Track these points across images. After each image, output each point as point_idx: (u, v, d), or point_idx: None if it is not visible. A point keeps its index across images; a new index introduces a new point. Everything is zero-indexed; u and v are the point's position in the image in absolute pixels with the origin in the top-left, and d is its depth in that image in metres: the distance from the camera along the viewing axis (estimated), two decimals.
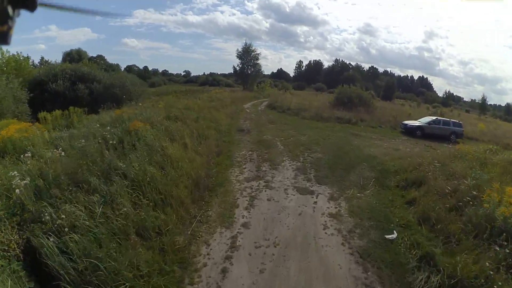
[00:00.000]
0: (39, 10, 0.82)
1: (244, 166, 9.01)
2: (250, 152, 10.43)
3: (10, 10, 0.76)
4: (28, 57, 19.34)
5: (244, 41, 61.18)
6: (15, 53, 18.64)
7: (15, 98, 14.11)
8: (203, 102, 18.70)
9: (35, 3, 0.79)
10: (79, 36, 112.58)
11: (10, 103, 13.70)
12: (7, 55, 17.31)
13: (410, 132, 17.13)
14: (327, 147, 11.50)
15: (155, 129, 9.84)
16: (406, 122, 18.42)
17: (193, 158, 8.92)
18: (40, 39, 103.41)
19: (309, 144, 11.85)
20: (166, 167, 7.14)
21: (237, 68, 51.45)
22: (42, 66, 21.30)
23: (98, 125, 10.34)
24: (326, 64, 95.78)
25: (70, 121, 11.67)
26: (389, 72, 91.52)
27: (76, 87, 17.50)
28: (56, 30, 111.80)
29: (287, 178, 8.10)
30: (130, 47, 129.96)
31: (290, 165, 9.18)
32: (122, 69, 68.32)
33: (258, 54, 51.23)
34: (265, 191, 7.18)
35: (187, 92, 30.38)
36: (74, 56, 47.46)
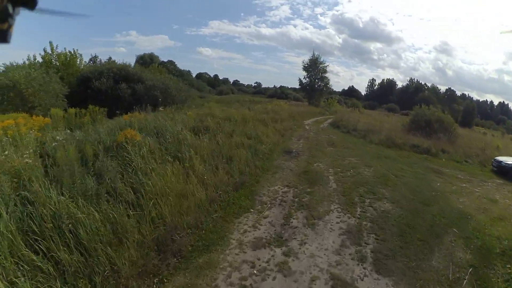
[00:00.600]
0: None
1: (265, 214, 5.86)
2: (285, 189, 7.28)
3: (10, 8, 0.78)
4: (74, 54, 19.39)
5: (312, 52, 57.07)
6: (70, 50, 18.89)
7: (50, 91, 13.38)
8: (254, 113, 16.07)
9: (35, 1, 0.82)
10: (157, 42, 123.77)
11: (43, 96, 12.95)
12: (57, 50, 17.48)
13: (506, 173, 11.78)
14: (399, 191, 7.66)
15: (154, 143, 7.34)
16: (500, 158, 12.96)
17: (190, 192, 6.13)
18: (120, 43, 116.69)
19: (374, 183, 8.14)
20: (120, 205, 4.45)
21: (303, 80, 47.93)
22: (93, 64, 21.17)
23: (102, 130, 8.33)
24: (400, 84, 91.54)
25: (80, 121, 10.00)
26: (467, 95, 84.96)
27: (119, 86, 16.57)
28: (136, 35, 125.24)
29: (325, 250, 4.74)
30: (205, 55, 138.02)
31: (337, 222, 5.76)
32: (193, 75, 72.35)
33: (326, 66, 47.14)
34: (275, 278, 3.92)
35: (250, 102, 28.44)
36: (146, 60, 51.24)
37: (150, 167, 6.42)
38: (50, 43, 18.15)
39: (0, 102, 12.29)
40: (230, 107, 19.57)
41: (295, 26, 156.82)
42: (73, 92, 17.46)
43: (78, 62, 20.19)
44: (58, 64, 17.86)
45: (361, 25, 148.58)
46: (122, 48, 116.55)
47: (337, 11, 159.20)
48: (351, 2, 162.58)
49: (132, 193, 5.45)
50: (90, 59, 21.58)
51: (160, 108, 11.94)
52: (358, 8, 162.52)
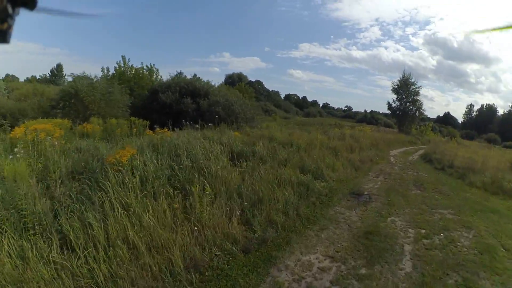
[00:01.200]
0: None
1: None
2: (325, 262, 4.81)
3: (9, 8, 0.78)
4: (151, 69, 20.36)
5: (403, 72, 50.18)
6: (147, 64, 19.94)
7: (111, 101, 13.62)
8: (326, 138, 13.49)
9: (35, 2, 0.83)
10: (249, 64, 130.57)
11: (103, 105, 13.24)
12: (132, 65, 18.61)
13: None
14: None
15: (155, 169, 5.74)
16: None
17: (166, 244, 4.20)
18: (215, 63, 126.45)
19: (474, 265, 4.84)
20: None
21: (393, 104, 42.08)
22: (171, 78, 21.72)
23: (109, 145, 7.30)
24: (500, 110, 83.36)
25: (115, 132, 9.26)
26: None
27: (183, 101, 16.18)
28: (228, 57, 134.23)
29: None
30: (296, 78, 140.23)
31: None
32: (282, 96, 72.97)
33: (418, 88, 40.53)
34: None
35: (332, 126, 25.81)
36: (234, 79, 53.89)
37: (124, 201, 4.66)
38: (123, 57, 19.31)
39: (62, 107, 12.82)
40: (306, 129, 17.35)
41: (386, 48, 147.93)
42: (143, 104, 17.94)
43: (155, 77, 21.10)
44: (125, 76, 18.78)
45: (455, 45, 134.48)
46: (216, 68, 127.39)
47: (429, 30, 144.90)
48: (443, 19, 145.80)
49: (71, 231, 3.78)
50: (176, 75, 22.07)
51: (196, 126, 10.56)
52: (451, 26, 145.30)
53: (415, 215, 6.88)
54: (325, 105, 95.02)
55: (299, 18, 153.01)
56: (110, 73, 19.30)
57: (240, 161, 8.13)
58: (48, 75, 52.06)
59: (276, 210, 5.95)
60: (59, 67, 50.88)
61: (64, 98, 13.14)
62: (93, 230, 4.10)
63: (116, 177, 5.14)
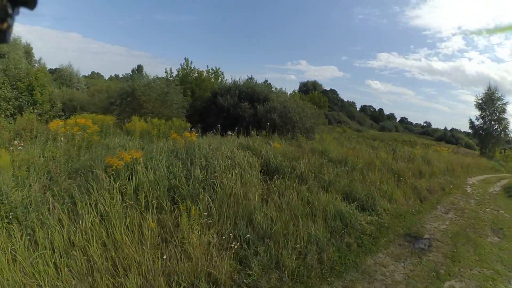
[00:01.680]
0: None
1: None
2: None
3: (9, 8, 0.79)
4: (216, 72, 20.67)
5: (488, 85, 41.77)
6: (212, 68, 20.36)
7: (166, 102, 13.95)
8: (392, 159, 11.47)
9: (34, 1, 0.83)
10: (325, 73, 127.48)
11: (158, 105, 13.59)
12: (194, 67, 19.11)
13: None
14: None
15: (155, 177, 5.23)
16: None
17: None
18: (291, 71, 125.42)
19: None
20: None
21: (476, 122, 35.37)
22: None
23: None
24: None
25: (150, 132, 9.15)
26: None
27: (240, 105, 15.72)
28: (305, 65, 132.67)
29: None
30: (373, 89, 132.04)
31: None
32: (358, 108, 69.17)
33: (505, 103, 33.28)
34: None
35: (406, 143, 22.87)
36: (309, 87, 53.18)
37: (103, 208, 4.16)
38: (186, 59, 19.88)
39: (119, 104, 13.44)
40: (373, 145, 15.34)
41: (469, 59, 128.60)
42: (203, 106, 18.11)
43: (220, 80, 21.34)
44: (192, 78, 19.23)
45: None
46: (293, 75, 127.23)
47: None
48: None
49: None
50: (246, 80, 21.97)
51: (230, 133, 9.80)
52: None
53: (484, 280, 4.92)
54: (403, 120, 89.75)
55: (377, 26, 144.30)
56: (174, 74, 20.08)
57: (274, 178, 7.12)
58: (129, 74, 57.91)
59: (291, 250, 4.76)
60: (139, 67, 55.79)
61: (122, 96, 13.85)
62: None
63: (108, 180, 4.65)
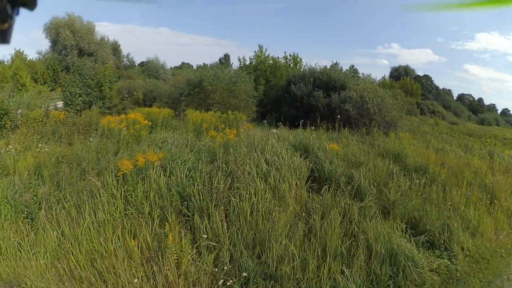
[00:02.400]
0: None
1: None
2: None
3: (9, 8, 0.79)
4: (295, 58, 19.62)
5: None
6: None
7: (234, 91, 13.72)
8: (487, 167, 8.77)
9: (35, 2, 0.84)
10: (419, 56, 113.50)
11: (225, 95, 13.44)
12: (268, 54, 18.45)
13: None
14: None
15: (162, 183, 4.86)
16: None
17: None
18: (383, 55, 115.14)
19: None
20: None
21: None
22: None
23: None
24: None
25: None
26: None
27: (313, 94, 14.50)
28: (397, 48, 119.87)
29: None
30: (472, 74, 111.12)
31: None
32: (455, 96, 59.26)
33: None
34: None
35: (508, 143, 18.24)
36: (401, 72, 50.06)
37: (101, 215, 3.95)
38: (260, 46, 19.06)
39: (187, 95, 13.62)
40: (468, 143, 12.46)
41: None
42: (277, 96, 17.41)
43: (298, 67, 20.23)
44: (266, 66, 18.57)
45: None
46: (384, 60, 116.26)
47: None
48: None
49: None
50: (331, 65, 20.65)
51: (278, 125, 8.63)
52: None
53: None
54: (505, 112, 72.48)
55: None
56: (247, 62, 19.72)
57: (322, 190, 5.89)
58: (217, 63, 60.27)
59: None
60: (226, 56, 57.35)
61: (190, 87, 13.98)
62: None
63: (113, 186, 4.38)
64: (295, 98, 15.84)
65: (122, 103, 12.11)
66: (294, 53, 22.48)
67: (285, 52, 23.08)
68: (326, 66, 21.44)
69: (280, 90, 18.28)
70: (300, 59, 22.40)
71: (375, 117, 12.41)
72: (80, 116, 9.02)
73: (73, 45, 43.84)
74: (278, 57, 21.39)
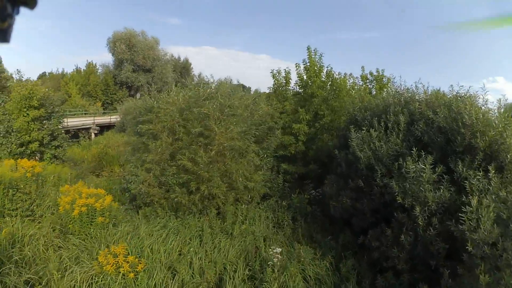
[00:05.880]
0: None
1: None
2: None
3: (9, 7, 0.80)
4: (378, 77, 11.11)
5: None
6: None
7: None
8: None
9: (35, 1, 0.85)
10: None
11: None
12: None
13: None
14: None
15: None
16: None
17: None
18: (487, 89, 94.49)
19: None
20: None
21: None
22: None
23: None
24: None
25: None
26: None
27: (412, 165, 5.27)
28: (503, 82, 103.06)
29: None
30: None
31: None
32: None
33: None
34: None
35: None
36: None
37: None
38: (308, 48, 10.31)
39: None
40: None
41: None
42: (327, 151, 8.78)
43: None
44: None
45: None
46: (489, 95, 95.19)
47: None
48: None
49: None
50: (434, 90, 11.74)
51: None
52: None
53: None
54: None
55: None
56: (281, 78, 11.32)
57: None
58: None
59: None
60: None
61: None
62: None
63: None
64: (352, 170, 6.88)
65: None
66: (378, 69, 13.24)
67: (362, 68, 13.76)
68: (433, 88, 11.96)
69: (335, 137, 9.48)
70: (389, 79, 13.04)
71: None
72: None
73: (128, 60, 41.25)
74: (346, 75, 12.44)
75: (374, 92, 12.36)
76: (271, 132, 9.26)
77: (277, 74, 11.34)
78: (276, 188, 9.35)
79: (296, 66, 10.93)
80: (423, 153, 5.38)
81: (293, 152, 9.93)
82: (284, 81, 11.12)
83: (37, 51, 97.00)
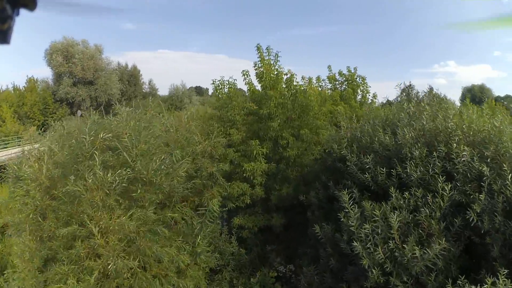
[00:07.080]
0: None
1: None
2: None
3: (9, 9, 0.80)
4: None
5: None
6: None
7: None
8: None
9: (35, 2, 0.84)
10: (477, 73, 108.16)
11: None
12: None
13: None
14: None
15: None
16: None
17: None
18: (440, 74, 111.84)
19: None
20: None
21: None
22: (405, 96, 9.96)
23: None
24: None
25: None
26: None
27: None
28: (454, 66, 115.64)
29: None
30: None
31: None
32: None
33: None
34: None
35: None
36: (476, 94, 44.37)
37: None
38: (258, 46, 7.47)
39: None
40: None
41: None
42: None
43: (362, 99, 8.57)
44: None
45: None
46: (442, 79, 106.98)
47: None
48: None
49: None
50: (403, 90, 9.55)
51: None
52: None
53: None
54: None
55: None
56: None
57: None
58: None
59: None
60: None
61: None
62: None
63: None
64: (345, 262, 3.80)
65: None
66: (349, 68, 10.56)
67: (329, 67, 10.98)
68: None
69: (306, 174, 6.61)
70: (363, 79, 10.40)
71: None
72: None
73: (66, 73, 36.35)
74: (311, 79, 9.63)
75: (350, 99, 9.66)
76: (212, 179, 6.10)
77: (219, 87, 8.23)
78: (228, 257, 6.30)
79: (243, 74, 7.91)
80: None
81: (248, 201, 6.88)
82: (230, 100, 7.85)
83: None
